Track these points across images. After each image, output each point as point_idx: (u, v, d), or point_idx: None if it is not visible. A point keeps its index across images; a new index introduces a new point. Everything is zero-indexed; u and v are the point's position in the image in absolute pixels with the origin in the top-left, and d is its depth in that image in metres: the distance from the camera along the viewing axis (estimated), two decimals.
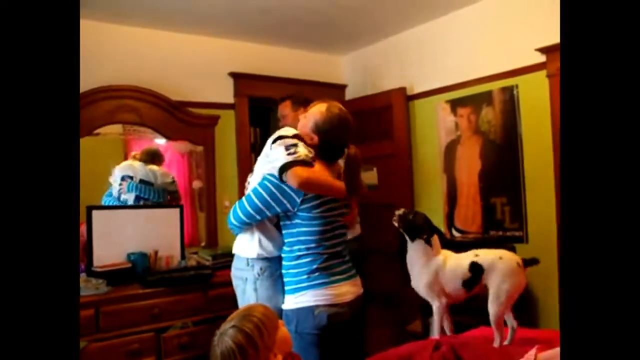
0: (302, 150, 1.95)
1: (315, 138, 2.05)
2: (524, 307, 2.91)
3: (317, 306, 1.95)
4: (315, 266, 2.00)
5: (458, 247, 2.99)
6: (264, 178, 2.02)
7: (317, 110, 2.09)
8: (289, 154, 1.91)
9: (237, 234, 2.20)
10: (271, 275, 2.10)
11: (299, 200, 1.98)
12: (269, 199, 1.99)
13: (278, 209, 2.01)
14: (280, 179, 1.94)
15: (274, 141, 2.00)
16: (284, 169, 1.91)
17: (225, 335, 1.43)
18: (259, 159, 2.14)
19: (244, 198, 2.08)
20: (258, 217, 2.04)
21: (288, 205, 1.99)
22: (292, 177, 1.90)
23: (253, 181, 2.14)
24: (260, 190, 2.01)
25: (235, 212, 2.09)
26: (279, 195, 1.98)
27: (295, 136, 2.03)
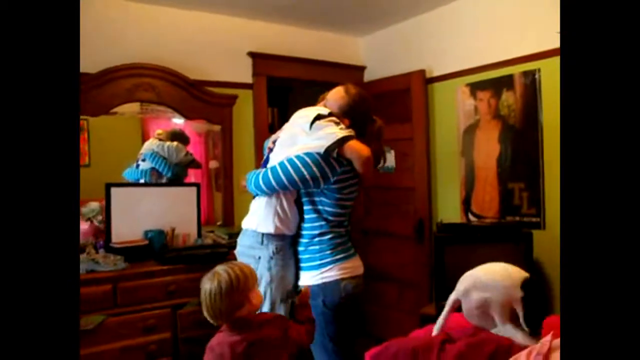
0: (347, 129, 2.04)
1: (346, 121, 2.13)
2: None
3: (342, 279, 2.08)
4: (337, 241, 2.12)
5: (474, 231, 2.99)
6: (308, 154, 2.04)
7: (337, 96, 2.19)
8: (341, 129, 2.01)
9: (255, 196, 2.23)
10: (285, 255, 2.15)
11: (333, 179, 2.06)
12: (309, 173, 2.02)
13: (312, 184, 2.05)
14: (337, 150, 2.00)
15: (317, 118, 2.04)
16: (345, 140, 1.99)
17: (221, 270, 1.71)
18: (286, 136, 2.16)
19: (277, 165, 2.09)
20: (291, 188, 2.09)
21: (322, 182, 2.05)
22: (358, 149, 2.01)
23: (278, 154, 2.16)
24: (300, 164, 2.04)
25: (266, 177, 2.10)
26: (327, 170, 2.03)
27: (330, 114, 2.09)
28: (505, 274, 1.67)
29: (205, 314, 1.71)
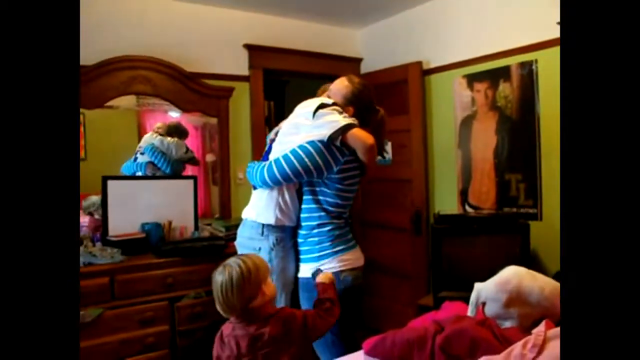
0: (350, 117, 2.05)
1: (350, 109, 2.14)
2: None
3: (342, 271, 2.09)
4: (337, 233, 2.12)
5: (471, 223, 2.99)
6: (311, 143, 2.04)
7: (341, 85, 2.20)
8: (344, 117, 2.02)
9: (256, 188, 2.23)
10: (285, 246, 2.16)
11: (336, 169, 2.06)
12: (312, 163, 2.02)
13: (315, 174, 2.06)
14: (341, 138, 1.99)
15: (320, 107, 2.04)
16: (348, 128, 1.98)
17: (233, 263, 1.70)
18: (289, 125, 2.17)
19: (281, 158, 2.09)
20: (295, 180, 2.10)
21: (325, 172, 2.05)
22: (362, 137, 1.99)
23: (281, 143, 2.16)
24: (303, 155, 2.04)
25: (270, 170, 2.10)
26: (329, 159, 2.03)
27: (334, 104, 2.10)
28: (555, 292, 1.69)
29: (218, 307, 1.69)
